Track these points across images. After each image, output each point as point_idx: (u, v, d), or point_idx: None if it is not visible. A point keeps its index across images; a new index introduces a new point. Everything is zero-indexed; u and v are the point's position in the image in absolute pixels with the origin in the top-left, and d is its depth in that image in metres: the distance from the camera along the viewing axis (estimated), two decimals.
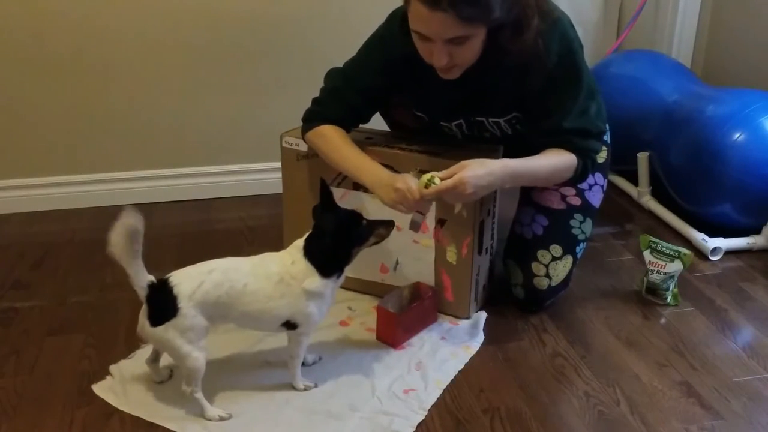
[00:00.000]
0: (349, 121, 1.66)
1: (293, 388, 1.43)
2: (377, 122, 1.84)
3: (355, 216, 1.39)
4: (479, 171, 1.42)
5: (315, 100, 1.68)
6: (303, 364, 1.47)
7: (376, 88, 1.63)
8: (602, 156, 1.81)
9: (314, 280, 1.34)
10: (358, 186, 1.67)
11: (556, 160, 1.54)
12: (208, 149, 2.42)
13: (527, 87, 1.53)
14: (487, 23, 1.37)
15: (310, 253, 1.35)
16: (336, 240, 1.35)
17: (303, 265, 1.34)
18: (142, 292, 1.29)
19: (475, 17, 1.34)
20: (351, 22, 2.30)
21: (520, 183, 1.64)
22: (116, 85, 2.27)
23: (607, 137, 1.84)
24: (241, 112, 2.39)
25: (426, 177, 1.42)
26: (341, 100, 1.63)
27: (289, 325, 1.37)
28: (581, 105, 1.53)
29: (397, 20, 1.50)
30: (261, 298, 1.33)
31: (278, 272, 1.34)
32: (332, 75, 1.68)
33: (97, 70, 2.24)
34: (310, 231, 1.38)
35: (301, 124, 1.77)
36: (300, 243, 1.37)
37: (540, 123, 1.57)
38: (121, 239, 1.22)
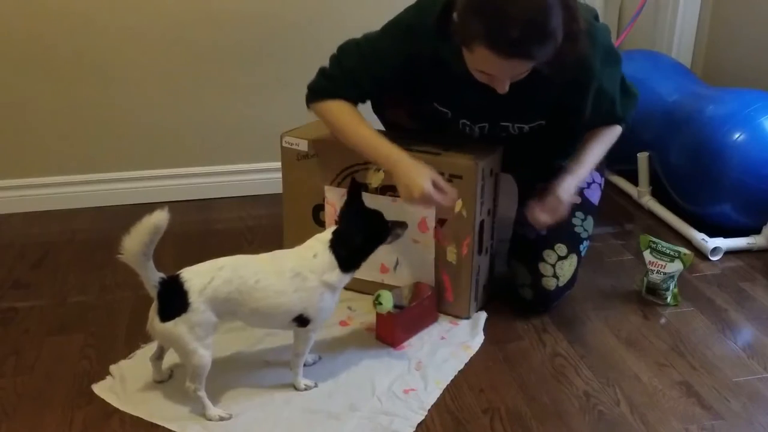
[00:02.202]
0: (357, 102, 1.61)
1: (294, 387, 1.44)
2: (376, 123, 1.84)
3: (379, 215, 1.42)
4: (569, 188, 1.56)
5: (326, 75, 1.60)
6: (303, 364, 1.47)
7: (393, 79, 1.59)
8: None
9: (335, 274, 1.37)
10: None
11: (608, 140, 1.65)
12: (208, 149, 2.42)
13: (572, 98, 1.55)
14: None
15: (336, 247, 1.37)
16: (365, 238, 1.39)
17: (326, 258, 1.37)
18: (153, 290, 1.29)
19: (546, 54, 1.31)
20: (351, 22, 2.28)
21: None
22: (116, 85, 2.27)
23: None
24: (241, 112, 2.39)
25: (375, 295, 1.54)
26: (355, 83, 1.57)
27: (300, 321, 1.38)
28: (624, 92, 1.61)
29: (431, 15, 1.42)
30: (273, 294, 1.34)
31: (293, 267, 1.36)
32: (348, 52, 1.59)
33: (97, 70, 2.24)
34: (338, 226, 1.41)
35: (301, 123, 1.78)
36: (324, 237, 1.39)
37: (592, 120, 1.61)
38: (139, 244, 1.23)
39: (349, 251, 1.38)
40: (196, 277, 1.30)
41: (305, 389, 1.44)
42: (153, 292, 1.30)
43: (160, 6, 2.21)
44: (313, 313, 1.38)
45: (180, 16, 2.24)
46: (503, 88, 1.39)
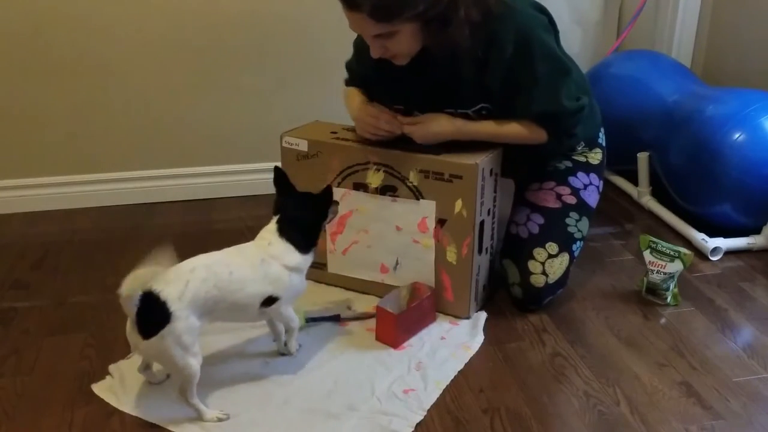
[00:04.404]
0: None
1: (286, 352, 1.51)
2: None
3: (313, 195, 1.46)
4: (429, 130, 1.61)
5: (346, 66, 1.80)
6: (285, 354, 1.53)
7: (367, 75, 1.72)
8: (597, 158, 1.82)
9: (295, 257, 1.41)
10: (358, 186, 1.68)
11: (521, 132, 1.60)
12: (208, 149, 2.42)
13: (489, 78, 1.55)
14: (409, 19, 1.40)
15: (286, 234, 1.41)
16: (310, 220, 1.45)
17: (281, 245, 1.40)
18: (132, 309, 1.23)
19: (389, 17, 1.38)
20: None
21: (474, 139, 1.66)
22: (116, 85, 2.27)
23: (602, 139, 1.85)
24: (241, 112, 2.39)
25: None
26: (355, 78, 1.79)
27: (269, 301, 1.40)
28: (546, 88, 1.54)
29: None
30: (248, 283, 1.36)
31: (258, 254, 1.39)
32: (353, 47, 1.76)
33: (97, 70, 2.24)
34: (279, 216, 1.44)
35: (301, 123, 1.82)
36: (272, 227, 1.42)
37: (509, 111, 1.59)
38: (140, 287, 1.22)
39: (301, 235, 1.42)
40: (170, 285, 1.26)
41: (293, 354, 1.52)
42: (132, 311, 1.23)
43: (160, 6, 2.21)
44: (282, 291, 1.41)
45: (180, 17, 2.24)
46: (373, 51, 1.49)
